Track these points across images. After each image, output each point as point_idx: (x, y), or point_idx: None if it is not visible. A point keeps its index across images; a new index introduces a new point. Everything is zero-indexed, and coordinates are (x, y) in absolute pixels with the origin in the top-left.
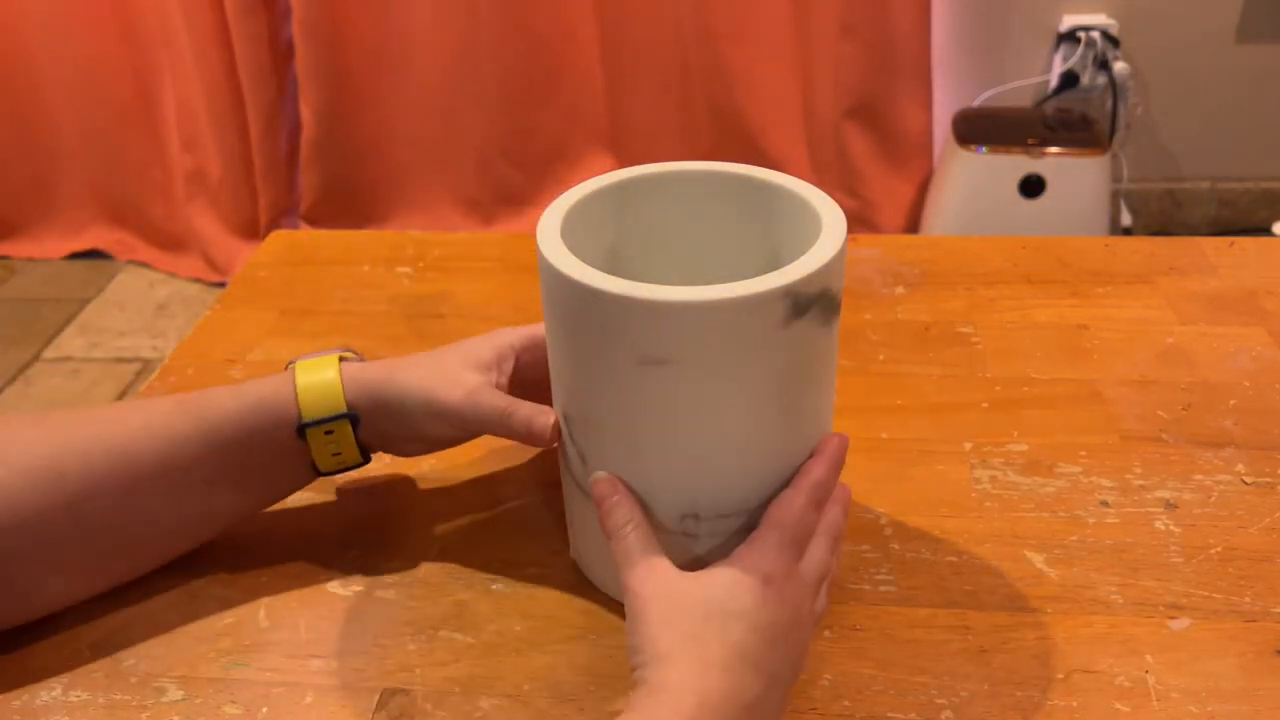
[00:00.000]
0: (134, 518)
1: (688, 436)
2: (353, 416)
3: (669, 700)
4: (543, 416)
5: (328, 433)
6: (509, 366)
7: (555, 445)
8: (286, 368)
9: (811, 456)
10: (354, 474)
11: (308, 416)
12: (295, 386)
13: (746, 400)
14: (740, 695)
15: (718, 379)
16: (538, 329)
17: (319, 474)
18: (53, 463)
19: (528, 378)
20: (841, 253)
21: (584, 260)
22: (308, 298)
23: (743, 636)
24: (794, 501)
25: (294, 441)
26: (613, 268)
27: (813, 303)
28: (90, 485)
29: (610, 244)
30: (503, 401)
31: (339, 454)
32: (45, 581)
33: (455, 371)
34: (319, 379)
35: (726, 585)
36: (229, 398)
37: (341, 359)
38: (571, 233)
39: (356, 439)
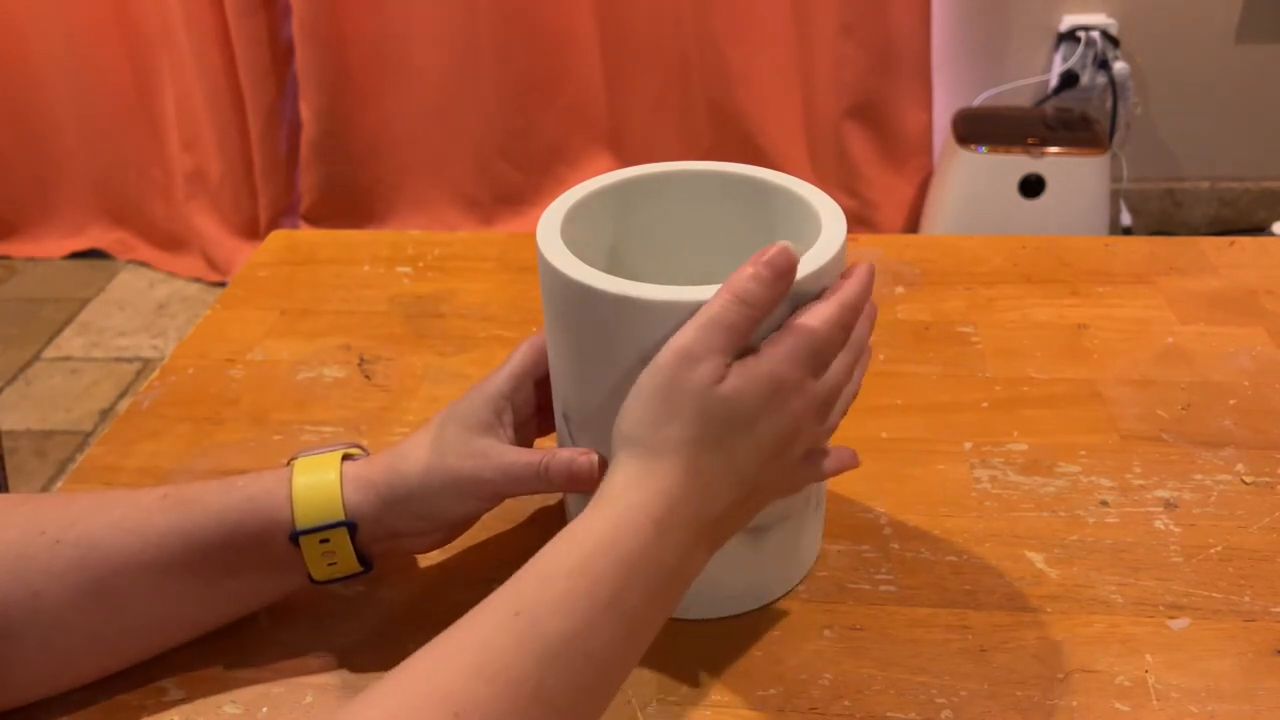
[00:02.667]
0: (97, 616)
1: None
2: (350, 524)
3: (641, 501)
4: (582, 458)
5: (323, 540)
6: (509, 418)
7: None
8: (288, 463)
9: (842, 277)
10: None
11: (301, 523)
12: (291, 488)
13: None
14: (716, 500)
15: None
16: (515, 365)
17: (313, 581)
18: (20, 549)
19: (521, 416)
20: (841, 253)
21: (584, 260)
22: (308, 298)
23: (737, 441)
24: (824, 311)
25: (286, 548)
26: (613, 268)
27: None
28: (51, 578)
29: (610, 244)
30: (533, 457)
31: (335, 563)
32: (21, 669)
33: (467, 443)
34: (317, 480)
35: (733, 386)
36: (217, 493)
37: (346, 455)
38: (571, 233)
39: (355, 547)
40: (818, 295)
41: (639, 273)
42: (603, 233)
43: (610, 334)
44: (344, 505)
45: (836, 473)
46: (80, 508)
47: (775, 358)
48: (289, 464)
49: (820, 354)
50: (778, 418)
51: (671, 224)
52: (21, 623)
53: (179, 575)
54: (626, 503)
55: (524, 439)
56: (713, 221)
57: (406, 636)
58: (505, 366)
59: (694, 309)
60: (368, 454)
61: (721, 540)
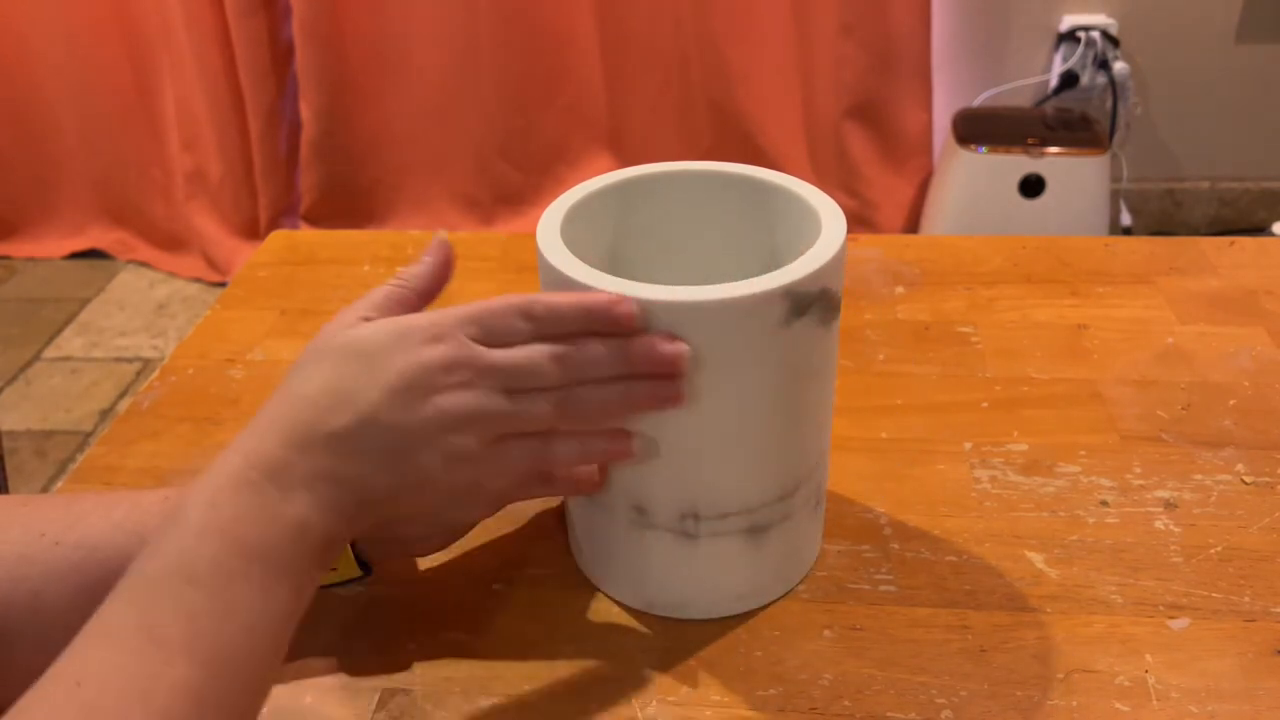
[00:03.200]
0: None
1: (687, 436)
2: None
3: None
4: (584, 467)
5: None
6: None
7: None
8: None
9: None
10: None
11: None
12: None
13: (746, 400)
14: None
15: (717, 379)
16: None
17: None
18: (22, 550)
19: None
20: (841, 253)
21: (584, 260)
22: (308, 298)
23: (360, 379)
24: (496, 297)
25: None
26: (613, 268)
27: (812, 302)
28: (51, 579)
29: (610, 244)
30: None
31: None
32: (21, 672)
33: None
34: None
35: (363, 329)
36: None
37: None
38: (571, 233)
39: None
40: (815, 296)
41: (639, 273)
42: (603, 233)
43: None
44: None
45: (568, 492)
46: (81, 509)
47: (425, 315)
48: None
49: (484, 322)
50: (402, 358)
51: (671, 224)
52: (21, 623)
53: None
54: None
55: None
56: (713, 221)
57: (406, 636)
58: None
59: (693, 309)
60: None
61: (364, 507)
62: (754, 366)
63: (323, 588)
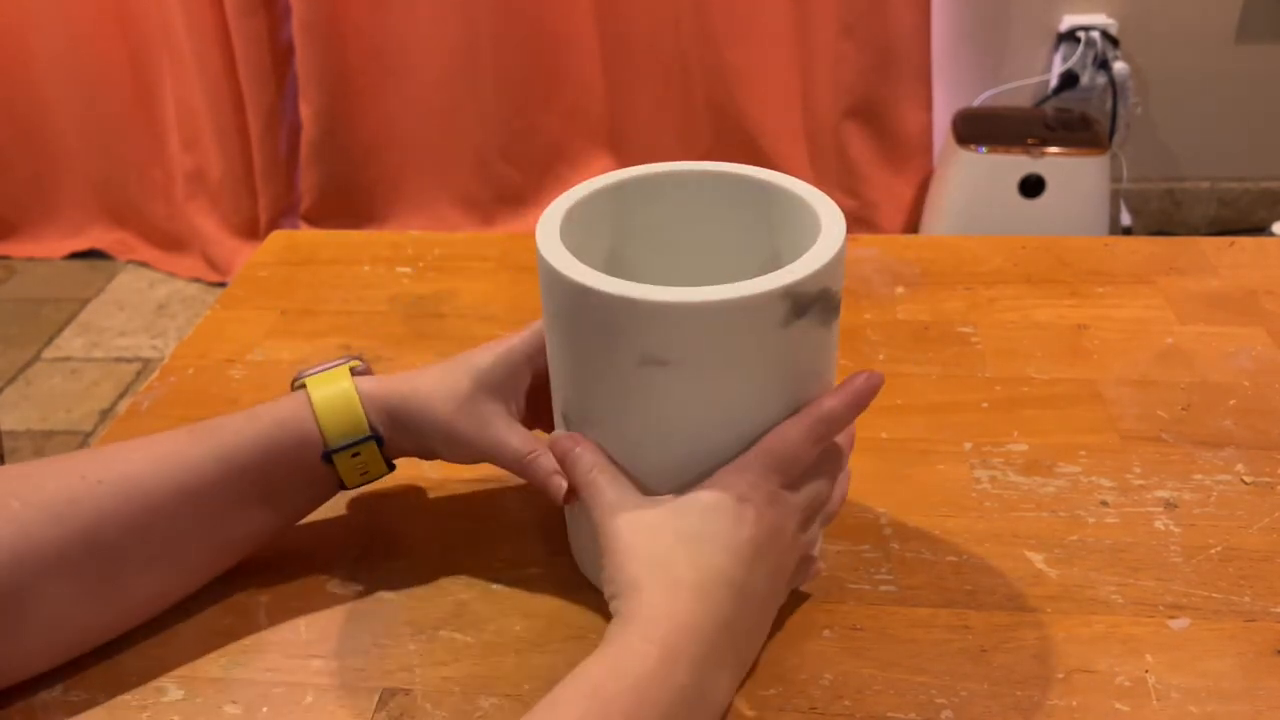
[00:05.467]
0: (152, 548)
1: (688, 436)
2: (378, 437)
3: (640, 629)
4: (556, 479)
5: (354, 455)
6: (524, 384)
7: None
8: (294, 384)
9: (840, 388)
10: None
11: (333, 442)
12: (314, 409)
13: (746, 400)
14: (714, 616)
15: (717, 379)
16: (538, 328)
17: (344, 488)
18: (68, 494)
19: (541, 380)
20: (841, 253)
21: (583, 261)
22: (308, 298)
23: (715, 557)
24: (788, 432)
25: (318, 465)
26: (612, 268)
27: (813, 303)
28: (103, 515)
29: (610, 244)
30: (524, 444)
31: (366, 472)
32: (71, 618)
33: (472, 400)
34: (337, 398)
35: (699, 508)
36: (245, 422)
37: (351, 370)
38: (571, 233)
39: (382, 455)
40: (815, 296)
41: (639, 273)
42: (602, 233)
43: (610, 334)
44: (367, 421)
45: (812, 578)
46: (113, 451)
47: (742, 477)
48: (297, 385)
49: (786, 470)
50: (745, 531)
51: (671, 224)
52: (81, 564)
53: (221, 501)
54: (637, 629)
55: (538, 404)
56: (713, 222)
57: (406, 637)
58: (530, 329)
59: (694, 310)
60: (366, 365)
61: (746, 659)
62: (754, 367)
63: (354, 487)
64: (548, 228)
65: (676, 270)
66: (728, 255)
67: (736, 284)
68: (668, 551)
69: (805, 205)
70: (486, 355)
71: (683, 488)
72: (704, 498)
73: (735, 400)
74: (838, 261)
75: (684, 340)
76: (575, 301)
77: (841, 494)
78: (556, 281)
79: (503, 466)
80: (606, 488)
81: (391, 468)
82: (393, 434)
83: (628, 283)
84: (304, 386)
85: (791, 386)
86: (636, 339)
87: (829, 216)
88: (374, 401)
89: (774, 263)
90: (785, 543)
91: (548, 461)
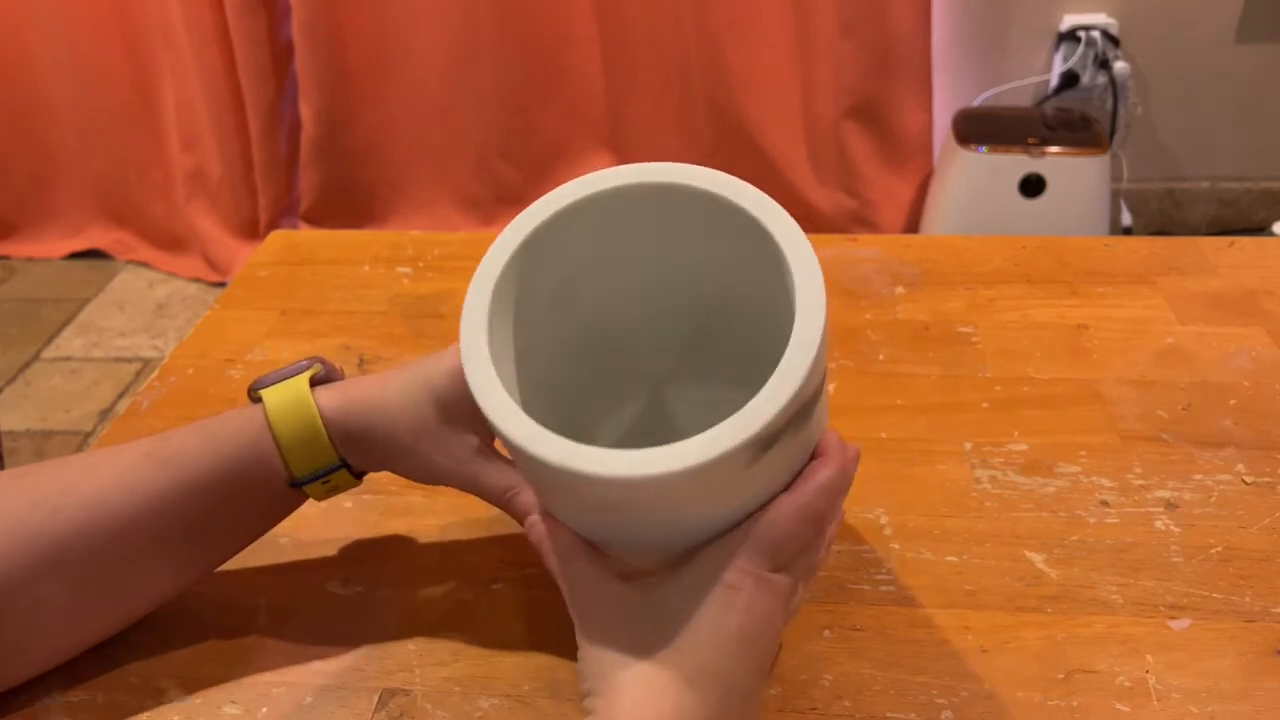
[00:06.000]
0: (112, 572)
1: (656, 550)
2: (346, 464)
3: (641, 697)
4: (537, 529)
5: (324, 481)
6: None
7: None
8: (251, 394)
9: (815, 459)
10: None
11: (301, 474)
12: (278, 441)
13: (715, 523)
14: (699, 715)
15: (679, 519)
16: None
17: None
18: (23, 519)
19: None
20: (820, 356)
21: (535, 294)
22: (308, 298)
23: (699, 650)
24: (783, 512)
25: (285, 491)
26: (564, 298)
27: (786, 427)
28: (62, 543)
29: (562, 274)
30: (501, 481)
31: (336, 488)
32: (27, 642)
33: (439, 434)
34: (301, 429)
35: (682, 594)
36: (204, 451)
37: (313, 378)
38: (511, 284)
39: (351, 473)
40: (790, 420)
41: (591, 302)
42: (552, 267)
43: (554, 488)
44: (335, 450)
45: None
46: (73, 474)
47: (730, 562)
48: (256, 398)
49: (777, 554)
50: (764, 643)
51: (622, 252)
52: (44, 591)
53: (182, 530)
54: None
55: None
56: (667, 244)
57: (406, 636)
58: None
59: (641, 483)
60: (329, 370)
61: None
62: (720, 505)
63: (321, 499)
64: (473, 320)
65: (631, 296)
66: (682, 279)
67: (690, 444)
68: (648, 643)
69: (775, 251)
70: (444, 378)
71: (665, 567)
72: (688, 581)
73: (701, 526)
74: (817, 366)
75: (634, 503)
76: (514, 453)
77: (832, 537)
78: (489, 419)
79: (481, 498)
80: (581, 573)
81: (361, 480)
82: (359, 460)
83: (568, 447)
84: (260, 400)
85: (768, 492)
86: (585, 496)
87: (804, 282)
88: (338, 429)
89: (730, 306)
90: (775, 630)
91: (528, 498)
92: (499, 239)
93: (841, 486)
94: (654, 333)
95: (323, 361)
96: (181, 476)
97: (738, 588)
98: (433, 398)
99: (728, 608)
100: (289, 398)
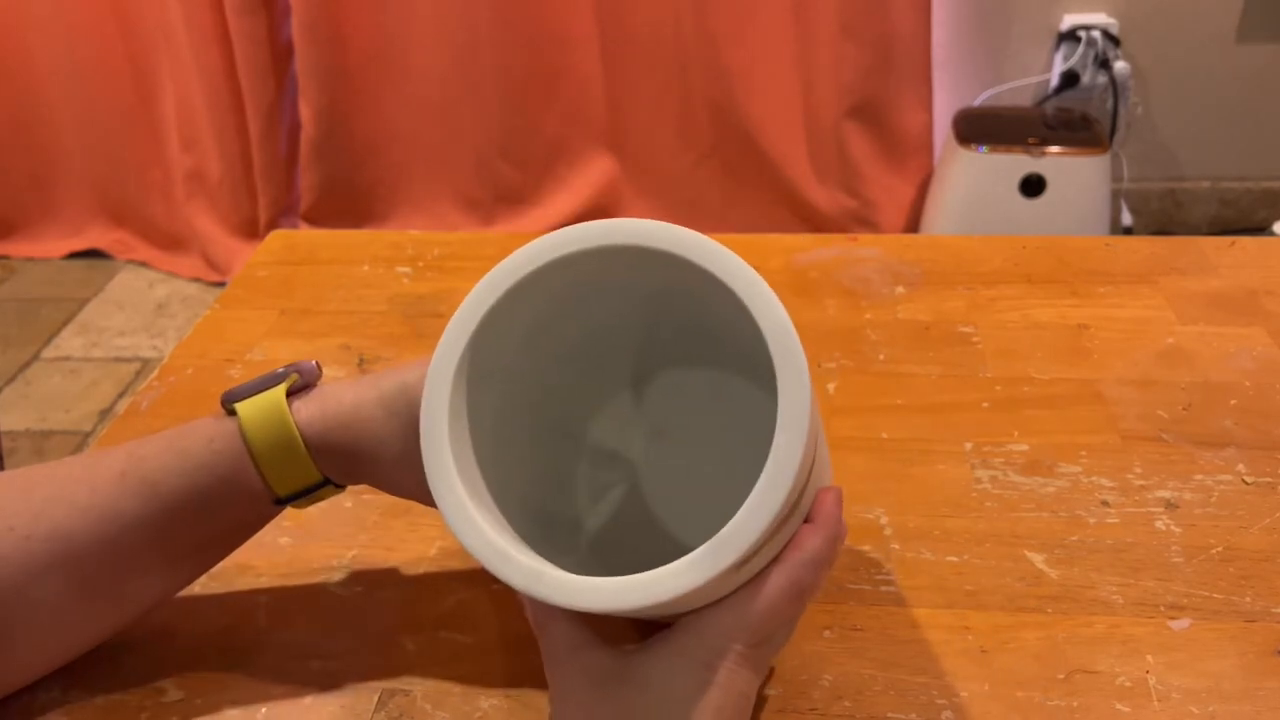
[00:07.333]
0: (82, 601)
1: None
2: (329, 480)
3: None
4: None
5: (308, 497)
6: None
7: None
8: (226, 407)
9: (808, 520)
10: None
11: (284, 494)
12: (257, 464)
13: (702, 604)
14: None
15: (660, 614)
16: None
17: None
18: None
19: None
20: (801, 470)
21: (503, 344)
22: (307, 298)
23: None
24: (768, 592)
25: (268, 507)
26: (534, 344)
27: (767, 540)
28: (31, 574)
29: (525, 334)
30: None
31: (320, 498)
32: (18, 648)
33: (419, 451)
34: (281, 450)
35: (660, 669)
36: (177, 471)
37: (289, 389)
38: (470, 357)
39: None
40: (768, 534)
41: (558, 373)
42: (511, 336)
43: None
44: (316, 467)
45: None
46: (41, 497)
47: (711, 640)
48: (230, 410)
49: (759, 630)
50: (719, 694)
51: (580, 321)
52: (11, 621)
53: (156, 554)
54: None
55: None
56: (630, 289)
57: (406, 636)
58: None
59: (608, 608)
60: (304, 372)
61: None
62: (707, 600)
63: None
64: (434, 414)
65: (600, 370)
66: (648, 351)
67: (660, 575)
68: (621, 714)
69: (730, 295)
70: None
71: (644, 625)
72: (666, 652)
73: (690, 609)
74: (803, 465)
75: (604, 617)
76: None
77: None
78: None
79: None
80: (560, 635)
81: (344, 488)
82: (339, 476)
83: (528, 571)
84: (235, 413)
85: (764, 567)
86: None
87: (788, 379)
88: (319, 450)
89: (700, 309)
90: (749, 702)
91: None
92: (455, 318)
93: (829, 559)
94: (634, 340)
95: (299, 367)
96: (156, 505)
97: (717, 665)
98: (411, 413)
99: (705, 684)
100: (266, 416)
